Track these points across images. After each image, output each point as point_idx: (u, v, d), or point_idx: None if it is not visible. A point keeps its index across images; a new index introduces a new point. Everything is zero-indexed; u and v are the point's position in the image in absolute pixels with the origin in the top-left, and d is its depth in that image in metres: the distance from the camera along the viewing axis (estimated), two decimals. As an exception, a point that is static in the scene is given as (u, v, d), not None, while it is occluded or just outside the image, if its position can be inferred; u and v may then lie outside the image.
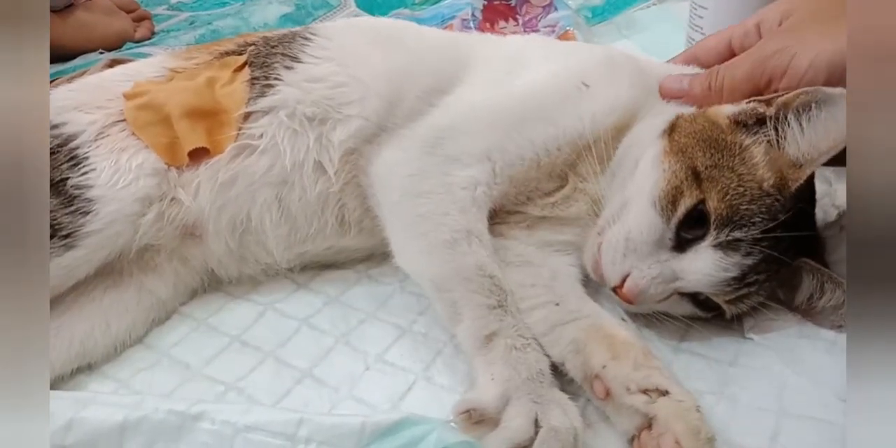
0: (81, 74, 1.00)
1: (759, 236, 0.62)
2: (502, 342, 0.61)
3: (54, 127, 0.71)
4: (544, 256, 0.74)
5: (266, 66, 0.77)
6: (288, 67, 0.77)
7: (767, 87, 0.70)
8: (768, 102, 0.67)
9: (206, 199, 0.73)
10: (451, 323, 0.65)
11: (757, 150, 0.66)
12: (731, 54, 0.78)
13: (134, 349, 0.72)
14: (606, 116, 0.72)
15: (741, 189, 0.63)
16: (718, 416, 0.61)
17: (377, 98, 0.75)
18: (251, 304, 0.77)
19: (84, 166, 0.69)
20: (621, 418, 0.59)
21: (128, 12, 1.50)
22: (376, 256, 0.81)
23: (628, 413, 0.59)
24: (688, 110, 0.72)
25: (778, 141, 0.66)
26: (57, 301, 0.70)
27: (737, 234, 0.62)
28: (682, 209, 0.63)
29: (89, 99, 0.76)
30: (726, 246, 0.62)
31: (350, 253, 0.81)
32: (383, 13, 1.46)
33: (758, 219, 0.62)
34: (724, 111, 0.69)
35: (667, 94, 0.76)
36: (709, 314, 0.68)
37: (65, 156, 0.69)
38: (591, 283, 0.72)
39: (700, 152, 0.66)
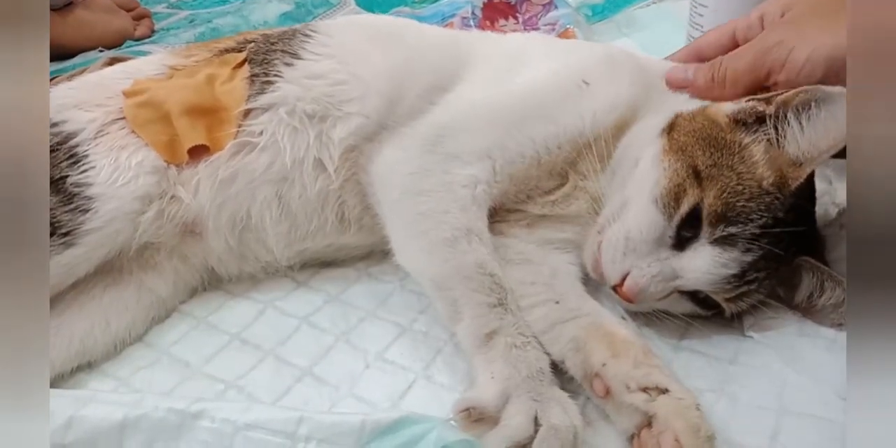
0: (81, 72, 0.99)
1: (758, 233, 0.62)
2: (502, 340, 0.61)
3: (54, 125, 0.71)
4: (544, 254, 0.74)
5: (266, 63, 0.77)
6: (288, 64, 0.77)
7: (767, 78, 0.71)
8: (768, 101, 0.67)
9: (206, 197, 0.73)
10: (452, 321, 0.65)
11: (757, 148, 0.66)
12: (735, 46, 0.78)
13: (134, 347, 0.72)
14: (607, 114, 0.72)
15: (740, 187, 0.63)
16: (718, 415, 0.61)
17: (377, 96, 0.75)
18: (251, 303, 0.77)
19: (84, 164, 0.69)
20: (621, 416, 0.59)
21: (128, 10, 1.50)
22: (376, 254, 0.81)
23: (628, 411, 0.59)
24: (687, 109, 0.72)
25: (778, 139, 0.66)
26: (57, 299, 0.70)
27: (732, 230, 0.62)
28: (684, 207, 0.63)
29: (89, 97, 0.76)
30: (723, 242, 0.62)
31: (350, 250, 0.81)
32: (384, 11, 1.45)
33: (755, 216, 0.62)
34: (724, 109, 0.69)
35: (672, 84, 0.76)
36: (709, 312, 0.68)
37: (64, 154, 0.69)
38: (591, 282, 0.72)
39: (700, 151, 0.66)
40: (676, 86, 0.76)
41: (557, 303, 0.68)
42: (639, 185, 0.67)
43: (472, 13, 1.29)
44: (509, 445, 0.54)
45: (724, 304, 0.66)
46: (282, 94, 0.75)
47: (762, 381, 0.64)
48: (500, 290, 0.64)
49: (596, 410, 0.62)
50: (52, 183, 0.67)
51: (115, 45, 1.40)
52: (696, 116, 0.70)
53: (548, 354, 0.63)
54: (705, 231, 0.63)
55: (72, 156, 0.69)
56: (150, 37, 1.47)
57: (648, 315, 0.70)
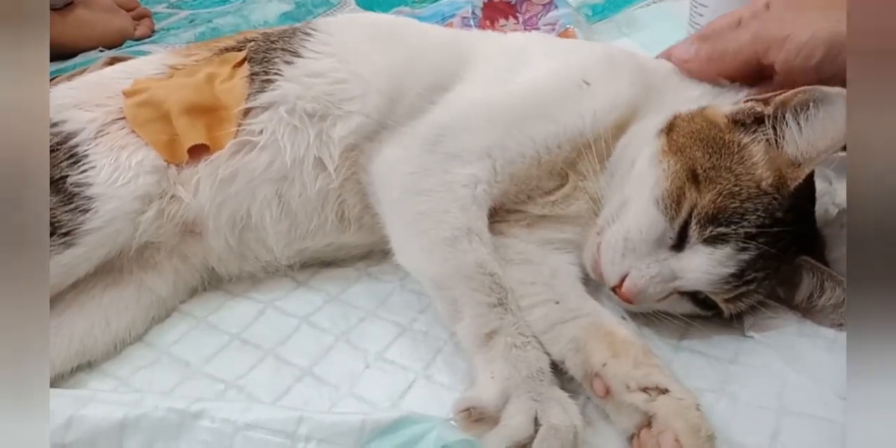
0: (81, 72, 0.99)
1: (755, 232, 0.62)
2: (502, 340, 0.61)
3: (54, 125, 0.71)
4: (544, 254, 0.74)
5: (266, 62, 0.77)
6: (288, 62, 0.77)
7: (765, 55, 0.71)
8: (766, 101, 0.67)
9: (206, 196, 0.73)
10: (452, 321, 0.65)
11: (756, 148, 0.66)
12: None
13: (134, 347, 0.72)
14: (607, 114, 0.72)
15: (736, 189, 0.63)
16: (719, 414, 0.61)
17: (378, 95, 0.75)
18: (251, 302, 0.77)
19: (84, 164, 0.69)
20: (621, 416, 0.59)
21: (128, 10, 1.50)
22: (376, 254, 0.81)
23: (628, 411, 0.59)
24: (686, 110, 0.72)
25: (776, 140, 0.66)
26: (57, 299, 0.70)
27: (722, 230, 0.62)
28: (686, 208, 0.63)
29: (89, 97, 0.76)
30: (713, 240, 0.63)
31: (350, 249, 0.81)
32: (384, 11, 1.46)
33: (750, 216, 0.62)
34: (723, 110, 0.69)
35: (676, 60, 0.77)
36: (709, 313, 0.68)
37: (64, 154, 0.69)
38: (591, 282, 0.72)
39: (699, 152, 0.66)
40: (679, 60, 0.77)
41: (557, 303, 0.68)
42: (638, 186, 0.67)
43: (473, 13, 1.29)
44: (509, 445, 0.54)
45: (722, 305, 0.66)
46: (282, 92, 0.75)
47: (762, 381, 0.64)
48: (500, 290, 0.64)
49: (596, 410, 0.62)
50: (52, 183, 0.67)
51: (115, 44, 1.40)
52: (694, 117, 0.70)
53: (548, 354, 0.63)
54: (693, 230, 0.63)
55: (72, 156, 0.69)
56: (150, 37, 1.48)
57: (648, 315, 0.70)
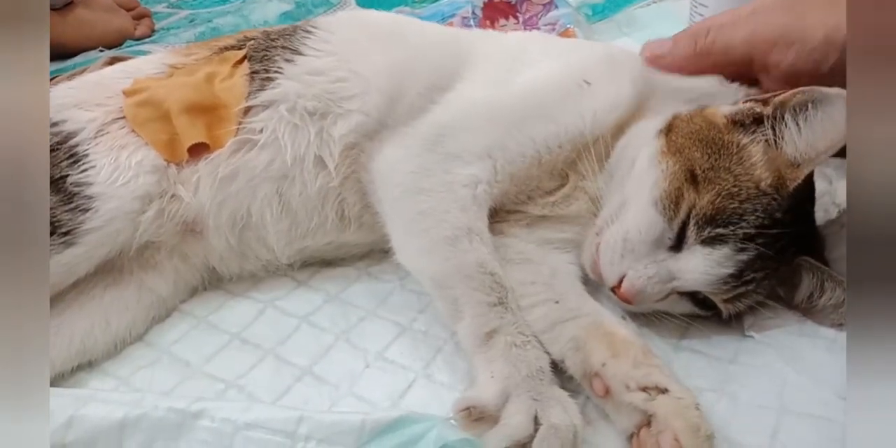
0: (81, 72, 0.99)
1: (753, 233, 0.62)
2: (502, 339, 0.61)
3: (54, 124, 0.71)
4: (544, 254, 0.74)
5: (266, 60, 0.77)
6: (288, 60, 0.77)
7: (767, 55, 0.69)
8: (765, 102, 0.67)
9: (207, 195, 0.73)
10: (452, 320, 0.65)
11: (755, 149, 0.66)
12: None
13: (134, 347, 0.72)
14: (608, 114, 0.72)
15: (735, 189, 0.63)
16: (719, 414, 0.61)
17: (378, 93, 0.75)
18: (251, 302, 0.77)
19: (84, 164, 0.69)
20: (620, 416, 0.59)
21: (128, 10, 1.50)
22: (376, 253, 0.81)
23: (627, 411, 0.59)
24: (685, 110, 0.72)
25: (776, 140, 0.66)
26: (57, 299, 0.70)
27: (720, 231, 0.62)
28: (684, 210, 0.63)
29: (89, 96, 0.76)
30: (712, 241, 0.62)
31: (350, 248, 0.81)
32: (384, 10, 1.45)
33: (749, 217, 0.62)
34: (722, 111, 0.69)
35: (649, 59, 0.74)
36: (708, 313, 0.68)
37: (64, 153, 0.69)
38: (591, 281, 0.72)
39: (698, 153, 0.66)
40: (653, 58, 0.73)
41: (557, 302, 0.68)
42: (637, 187, 0.67)
43: (473, 13, 1.29)
44: (509, 444, 0.54)
45: (721, 306, 0.66)
46: (282, 90, 0.75)
47: (762, 381, 0.64)
48: (500, 289, 0.64)
49: (596, 409, 0.62)
50: (52, 182, 0.67)
51: (115, 44, 1.40)
52: (693, 118, 0.70)
53: (547, 354, 0.63)
54: (691, 231, 0.63)
55: (72, 155, 0.69)
56: (150, 36, 1.48)
57: (648, 315, 0.70)
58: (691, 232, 0.63)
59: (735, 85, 0.75)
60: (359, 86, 0.75)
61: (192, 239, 0.75)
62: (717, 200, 0.62)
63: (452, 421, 0.57)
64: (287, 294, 0.78)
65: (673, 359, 0.67)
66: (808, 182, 0.68)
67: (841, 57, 0.64)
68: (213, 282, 0.79)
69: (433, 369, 0.67)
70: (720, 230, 0.62)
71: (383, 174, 0.72)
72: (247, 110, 0.74)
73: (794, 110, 0.64)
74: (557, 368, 0.63)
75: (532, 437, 0.54)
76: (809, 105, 0.63)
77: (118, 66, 0.84)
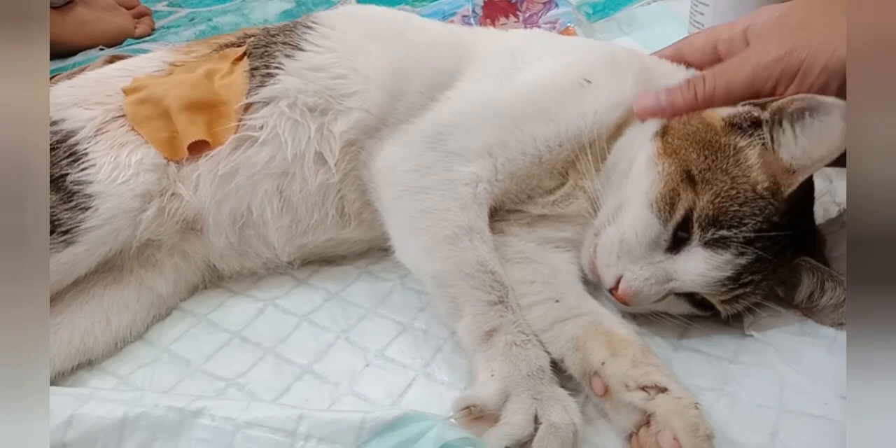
0: (81, 71, 0.99)
1: (752, 237, 0.62)
2: (503, 338, 0.61)
3: (54, 123, 0.71)
4: (544, 253, 0.74)
5: (267, 56, 0.77)
6: (289, 56, 0.77)
7: (771, 92, 0.68)
8: (763, 106, 0.66)
9: (207, 193, 0.73)
10: (452, 319, 0.65)
11: (751, 152, 0.65)
12: (716, 58, 0.76)
13: (134, 345, 0.72)
14: (608, 114, 0.72)
15: (733, 191, 0.63)
16: (719, 413, 0.61)
17: (378, 91, 0.75)
18: (251, 301, 0.77)
19: (83, 162, 0.69)
20: (620, 415, 0.60)
21: (128, 9, 1.50)
22: (377, 252, 0.81)
23: (627, 410, 0.59)
24: None
25: (773, 145, 0.65)
26: (57, 298, 0.70)
27: (724, 233, 0.62)
28: (680, 212, 0.63)
29: (89, 95, 0.76)
30: (714, 244, 0.62)
31: (350, 245, 0.81)
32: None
33: (749, 220, 0.62)
34: (720, 113, 0.69)
35: (643, 113, 0.72)
36: (707, 313, 0.68)
37: (64, 152, 0.69)
38: (591, 281, 0.72)
39: (694, 154, 0.65)
40: (649, 114, 0.71)
41: (557, 301, 0.68)
42: (634, 188, 0.67)
43: (473, 12, 1.29)
44: (509, 443, 0.54)
45: (719, 307, 0.66)
46: (283, 86, 0.74)
47: (762, 380, 0.64)
48: (500, 288, 0.64)
49: (596, 409, 0.62)
50: (51, 181, 0.67)
51: (115, 43, 1.40)
52: (690, 119, 0.69)
53: (547, 353, 0.63)
54: (695, 233, 0.63)
55: (71, 154, 0.69)
56: (150, 35, 1.48)
57: (648, 314, 0.70)
58: (694, 233, 0.63)
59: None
60: (359, 83, 0.75)
61: (193, 237, 0.75)
62: (717, 200, 0.62)
63: (452, 420, 0.57)
64: (287, 292, 0.78)
65: (672, 358, 0.67)
66: (808, 182, 0.68)
67: (842, 84, 0.64)
68: (213, 280, 0.79)
69: (433, 368, 0.67)
70: (724, 232, 0.62)
71: (384, 172, 0.72)
72: (247, 107, 0.74)
73: (792, 117, 0.64)
74: (557, 367, 0.63)
75: (532, 436, 0.55)
76: (807, 113, 0.63)
77: (118, 64, 0.84)
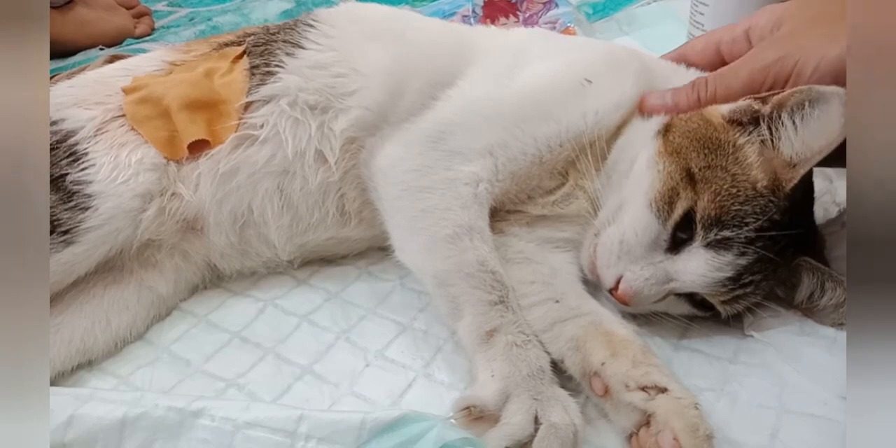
0: (81, 70, 0.99)
1: (753, 236, 0.62)
2: (503, 339, 0.61)
3: (54, 123, 0.71)
4: (544, 253, 0.74)
5: (267, 54, 0.77)
6: (290, 54, 0.77)
7: (768, 90, 0.68)
8: (764, 100, 0.66)
9: (207, 192, 0.73)
10: (452, 319, 0.65)
11: (751, 149, 0.65)
12: (719, 59, 0.77)
13: (134, 345, 0.72)
14: (610, 113, 0.72)
15: (734, 190, 0.63)
16: (719, 413, 0.61)
17: (379, 89, 0.75)
18: (251, 301, 0.77)
19: (83, 162, 0.69)
20: (620, 415, 0.60)
21: (128, 8, 1.50)
22: (377, 252, 0.81)
23: (627, 410, 0.59)
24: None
25: (772, 140, 0.65)
26: (57, 298, 0.70)
27: (726, 234, 0.62)
28: (678, 211, 0.63)
29: (88, 95, 0.76)
30: (717, 245, 0.62)
31: (351, 244, 0.81)
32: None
33: (750, 219, 0.62)
34: (720, 110, 0.69)
35: (650, 111, 0.73)
36: (707, 314, 0.68)
37: (64, 152, 0.69)
38: (591, 281, 0.72)
39: (694, 152, 0.65)
40: (655, 112, 0.73)
41: (557, 302, 0.68)
42: (634, 188, 0.67)
43: (473, 11, 1.29)
44: (510, 444, 0.54)
45: (719, 307, 0.66)
46: (283, 84, 0.74)
47: (762, 380, 0.64)
48: (501, 288, 0.64)
49: (596, 409, 0.62)
50: (51, 181, 0.67)
51: (115, 43, 1.40)
52: (691, 117, 0.69)
53: (547, 353, 0.63)
54: (699, 234, 0.63)
55: (71, 154, 0.69)
56: (150, 35, 1.48)
57: (648, 315, 0.70)
58: (697, 234, 0.63)
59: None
60: (359, 81, 0.75)
61: (193, 237, 0.75)
62: (718, 199, 0.62)
63: (452, 420, 0.57)
64: (287, 293, 0.78)
65: (673, 358, 0.67)
66: (807, 182, 0.68)
67: (834, 84, 0.64)
68: (213, 280, 0.79)
69: (433, 368, 0.67)
70: (727, 233, 0.62)
71: (384, 171, 0.72)
72: (247, 106, 0.74)
73: (792, 110, 0.64)
74: (557, 368, 0.63)
75: (532, 437, 0.55)
76: (807, 103, 0.63)
77: (117, 63, 0.84)
